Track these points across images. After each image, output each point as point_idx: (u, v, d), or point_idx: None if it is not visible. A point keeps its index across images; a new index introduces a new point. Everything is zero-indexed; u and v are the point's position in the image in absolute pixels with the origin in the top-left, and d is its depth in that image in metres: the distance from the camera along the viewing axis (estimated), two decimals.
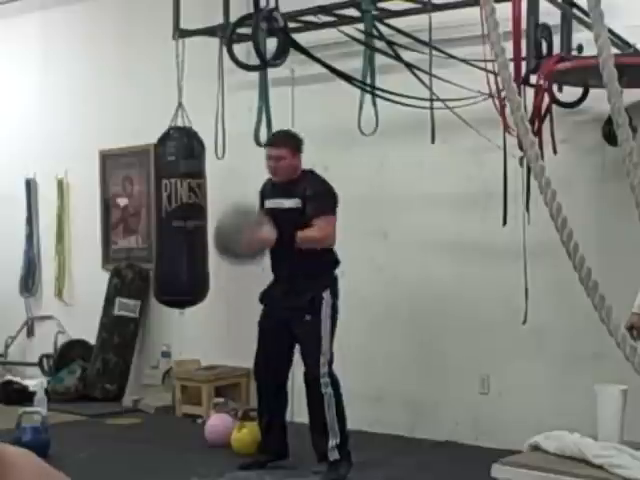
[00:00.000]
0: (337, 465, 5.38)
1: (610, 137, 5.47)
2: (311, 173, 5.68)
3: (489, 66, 5.09)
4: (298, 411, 6.17)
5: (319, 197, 5.49)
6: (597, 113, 5.63)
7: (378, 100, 6.00)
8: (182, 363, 7.67)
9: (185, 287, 6.98)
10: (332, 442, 5.34)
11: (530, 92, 5.19)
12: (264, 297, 5.69)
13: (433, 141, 5.88)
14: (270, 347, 5.60)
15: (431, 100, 5.77)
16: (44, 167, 8.85)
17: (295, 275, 5.47)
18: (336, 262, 5.60)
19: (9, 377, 8.38)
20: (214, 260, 7.13)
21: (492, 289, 6.21)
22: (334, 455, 5.35)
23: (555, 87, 5.42)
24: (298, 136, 5.68)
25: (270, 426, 5.69)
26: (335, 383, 5.42)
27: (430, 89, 5.75)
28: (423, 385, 6.54)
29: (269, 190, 5.72)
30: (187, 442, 6.46)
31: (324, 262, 5.51)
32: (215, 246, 5.52)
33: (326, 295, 5.43)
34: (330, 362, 5.42)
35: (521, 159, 4.88)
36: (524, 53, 5.16)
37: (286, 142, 5.59)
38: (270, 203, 5.63)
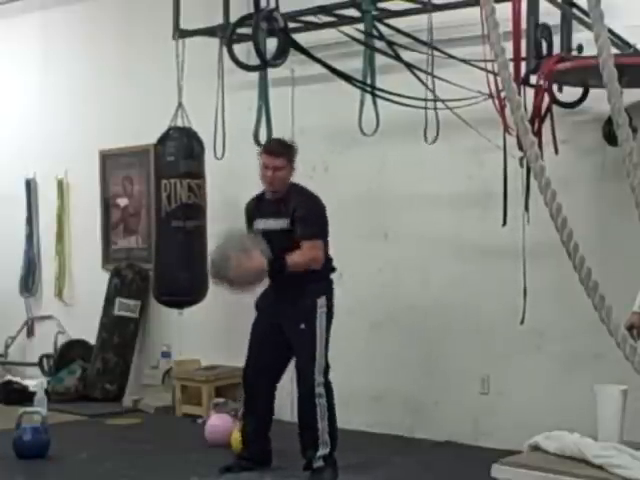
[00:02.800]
0: (321, 471, 5.31)
1: (610, 137, 5.47)
2: (299, 188, 5.48)
3: (489, 66, 5.08)
4: None
5: (308, 220, 5.31)
6: (597, 113, 5.63)
7: (378, 100, 6.00)
8: (182, 363, 7.67)
9: (184, 287, 6.98)
10: (320, 452, 5.29)
11: (530, 92, 5.18)
12: (258, 302, 5.61)
13: (435, 141, 5.88)
14: (263, 351, 5.50)
15: (434, 100, 5.76)
16: (44, 167, 8.85)
17: (290, 283, 5.33)
18: (331, 269, 5.50)
19: (9, 377, 8.38)
20: None
21: (492, 289, 6.21)
22: (319, 463, 5.30)
23: (555, 87, 5.42)
24: (294, 145, 5.52)
25: (256, 434, 5.61)
26: (329, 393, 5.33)
27: (432, 90, 5.75)
28: (423, 385, 6.54)
29: (256, 209, 5.55)
30: (187, 442, 6.46)
31: (319, 270, 5.39)
32: (209, 274, 5.42)
33: (321, 302, 5.34)
34: (325, 372, 5.34)
35: (521, 159, 4.87)
36: (524, 53, 5.16)
37: (285, 151, 5.42)
38: (259, 223, 5.48)
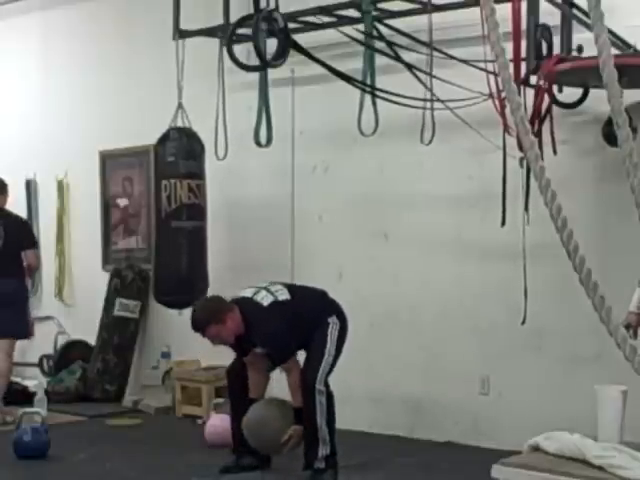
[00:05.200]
0: (322, 472, 5.30)
1: (610, 138, 5.46)
2: (248, 317, 5.33)
3: (489, 67, 5.09)
4: None
5: (268, 347, 5.31)
6: (597, 114, 5.63)
7: (379, 101, 6.00)
8: (182, 364, 7.66)
9: (184, 287, 6.98)
10: (322, 452, 5.28)
11: (530, 93, 5.19)
12: None
13: (431, 141, 5.88)
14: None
15: (432, 101, 5.76)
16: (44, 167, 8.85)
17: None
18: (334, 306, 5.53)
19: None
20: (213, 260, 7.15)
21: (492, 289, 6.21)
22: (320, 464, 5.30)
23: (555, 88, 5.42)
24: (219, 303, 5.33)
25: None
26: (329, 396, 5.33)
27: (430, 90, 5.75)
28: (423, 385, 6.54)
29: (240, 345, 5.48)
30: (187, 442, 6.46)
31: (324, 316, 5.47)
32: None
33: (332, 320, 5.43)
34: (326, 379, 5.32)
35: (521, 160, 4.88)
36: (524, 53, 5.16)
37: (208, 319, 5.24)
38: (256, 349, 5.44)
